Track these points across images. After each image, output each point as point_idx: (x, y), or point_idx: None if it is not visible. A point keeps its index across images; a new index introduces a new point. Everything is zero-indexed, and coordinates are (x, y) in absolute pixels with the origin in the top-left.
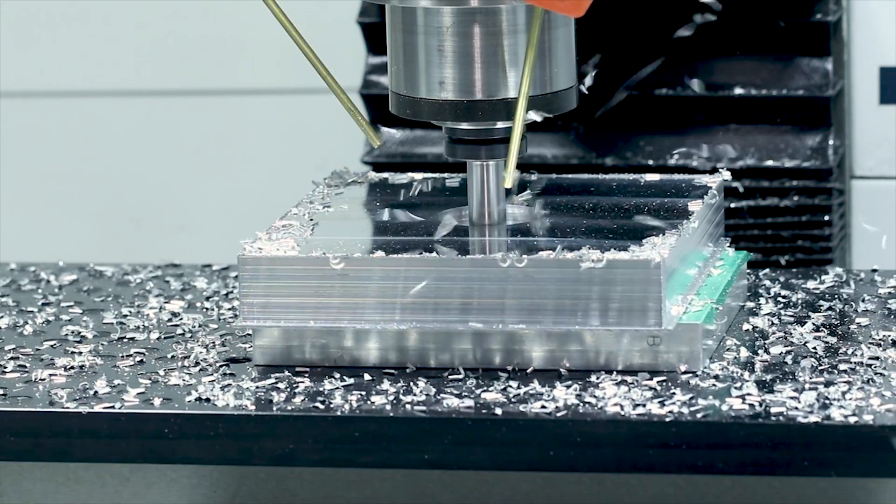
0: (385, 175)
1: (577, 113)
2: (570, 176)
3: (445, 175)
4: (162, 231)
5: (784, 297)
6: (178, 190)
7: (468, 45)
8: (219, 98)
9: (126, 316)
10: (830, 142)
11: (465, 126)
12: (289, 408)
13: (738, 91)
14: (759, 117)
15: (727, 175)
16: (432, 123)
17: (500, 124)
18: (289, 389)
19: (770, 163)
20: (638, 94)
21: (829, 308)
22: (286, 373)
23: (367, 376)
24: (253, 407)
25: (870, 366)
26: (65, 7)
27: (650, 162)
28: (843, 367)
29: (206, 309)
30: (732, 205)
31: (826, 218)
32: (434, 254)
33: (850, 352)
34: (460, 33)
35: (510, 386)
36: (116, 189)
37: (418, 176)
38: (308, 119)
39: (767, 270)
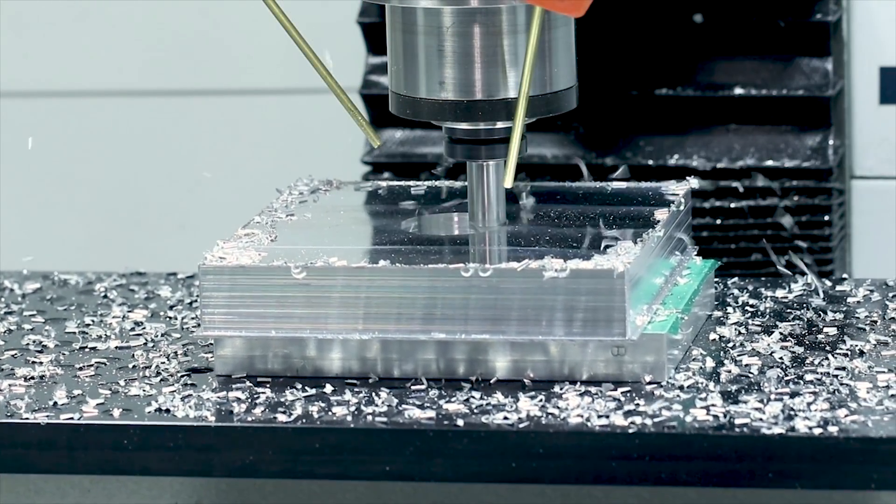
0: (350, 181)
1: (577, 113)
2: (536, 183)
3: (411, 182)
4: (162, 231)
5: (752, 306)
6: (178, 190)
7: (468, 45)
8: (219, 98)
9: (88, 325)
10: (830, 142)
11: (464, 126)
12: (249, 419)
13: (739, 91)
14: (759, 117)
15: (695, 182)
16: (432, 123)
17: (499, 124)
18: (250, 400)
19: (770, 163)
20: (638, 94)
21: (797, 317)
22: (248, 383)
23: (329, 387)
24: (213, 418)
25: (836, 376)
26: (65, 7)
27: (650, 162)
28: (809, 377)
29: (170, 318)
30: (732, 205)
31: (826, 218)
32: (397, 263)
33: (816, 362)
34: (460, 33)
35: (473, 397)
36: (116, 189)
37: (383, 183)
38: (308, 119)
39: (736, 279)
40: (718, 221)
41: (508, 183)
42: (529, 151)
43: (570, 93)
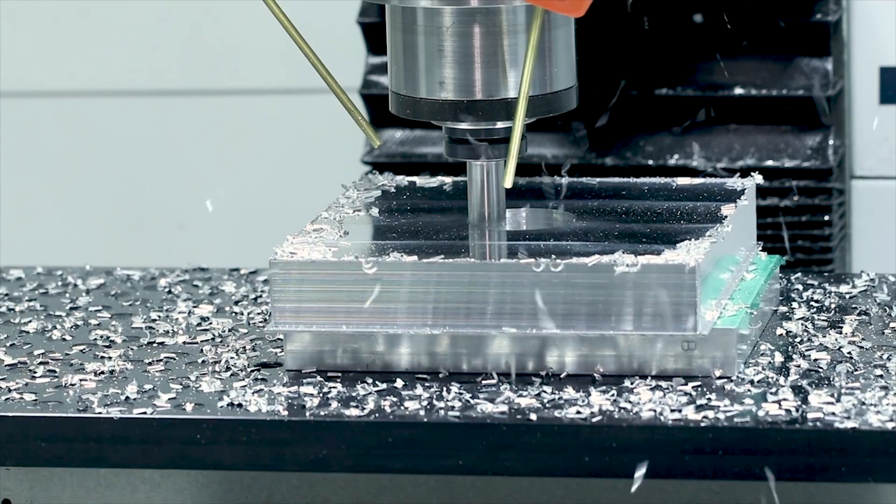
0: (413, 178)
1: (577, 113)
2: (600, 179)
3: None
4: (162, 231)
5: (817, 301)
6: (178, 190)
7: (468, 45)
8: (219, 98)
9: (155, 320)
10: (830, 142)
11: (464, 126)
12: (321, 413)
13: (738, 91)
14: (759, 117)
15: (760, 178)
16: (432, 123)
17: (500, 124)
18: (321, 394)
19: (770, 163)
20: (638, 94)
21: (863, 312)
22: (318, 378)
23: (399, 381)
24: (285, 412)
25: None
26: (65, 7)
27: (650, 162)
28: (878, 371)
29: (236, 313)
30: None
31: (826, 218)
32: (467, 258)
33: (885, 357)
34: (460, 33)
35: (544, 391)
36: (116, 189)
37: (448, 179)
38: (308, 119)
39: (799, 275)
40: None
41: (508, 183)
42: (530, 151)
43: (570, 93)
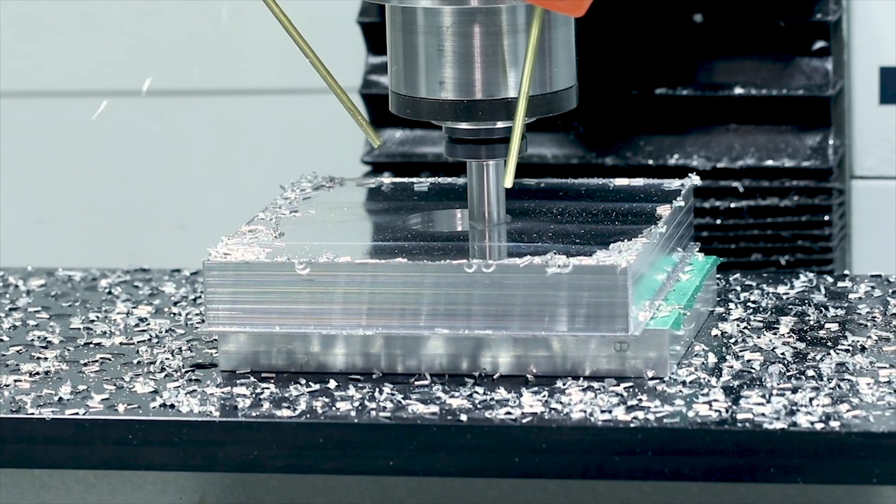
0: (353, 178)
1: (577, 112)
2: (537, 180)
3: (413, 179)
4: (162, 231)
5: (754, 302)
6: (178, 190)
7: (468, 44)
8: (219, 98)
9: (93, 321)
10: (830, 142)
11: (464, 126)
12: (254, 414)
13: (739, 91)
14: (759, 117)
15: (697, 179)
16: (432, 123)
17: (500, 124)
18: (254, 395)
19: (770, 162)
20: (638, 94)
21: (799, 313)
22: (252, 378)
23: (333, 382)
24: (217, 413)
25: (838, 372)
26: (65, 7)
27: (650, 162)
28: (810, 373)
29: (174, 314)
30: (732, 205)
31: (826, 218)
32: (400, 259)
33: (818, 358)
34: (460, 33)
35: (476, 392)
36: (116, 189)
37: (386, 180)
38: (308, 119)
39: (738, 275)
40: (718, 221)
41: (508, 183)
42: (529, 151)
43: (570, 92)
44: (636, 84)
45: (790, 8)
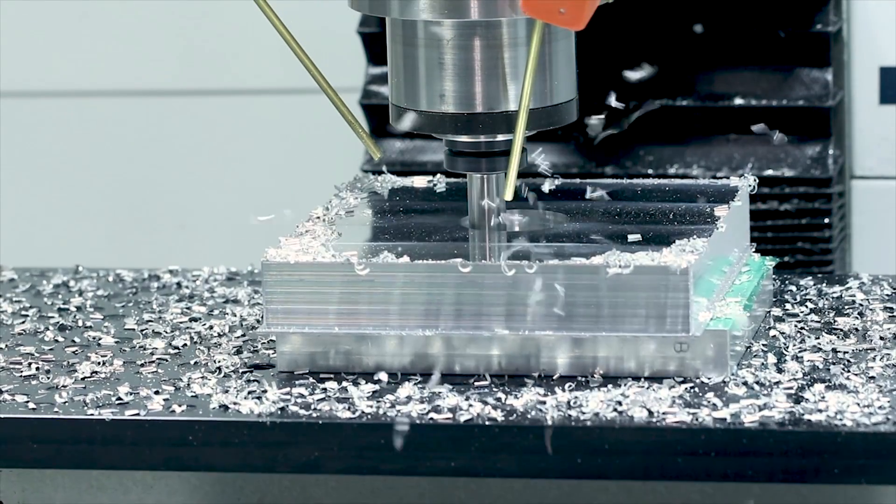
0: (408, 179)
1: (577, 122)
2: (594, 181)
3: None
4: (162, 231)
5: (811, 302)
6: (178, 190)
7: (468, 57)
8: (219, 98)
9: (148, 321)
10: (830, 151)
11: (465, 139)
12: (313, 415)
13: (739, 101)
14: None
15: (752, 180)
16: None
17: (500, 137)
18: (313, 396)
19: (770, 172)
20: (637, 104)
21: (858, 314)
22: (310, 379)
23: (391, 382)
24: (278, 414)
25: None
26: (65, 7)
27: (650, 172)
28: (872, 373)
29: (230, 314)
30: None
31: (826, 220)
32: (459, 259)
33: (878, 358)
34: (461, 46)
35: (537, 393)
36: (116, 189)
37: (441, 178)
38: (308, 119)
39: (794, 276)
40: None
41: (509, 196)
42: (529, 160)
43: (570, 105)
44: (635, 94)
45: (790, 19)
